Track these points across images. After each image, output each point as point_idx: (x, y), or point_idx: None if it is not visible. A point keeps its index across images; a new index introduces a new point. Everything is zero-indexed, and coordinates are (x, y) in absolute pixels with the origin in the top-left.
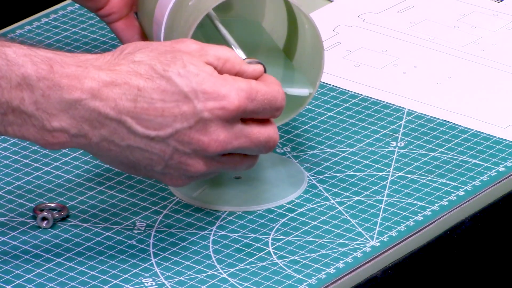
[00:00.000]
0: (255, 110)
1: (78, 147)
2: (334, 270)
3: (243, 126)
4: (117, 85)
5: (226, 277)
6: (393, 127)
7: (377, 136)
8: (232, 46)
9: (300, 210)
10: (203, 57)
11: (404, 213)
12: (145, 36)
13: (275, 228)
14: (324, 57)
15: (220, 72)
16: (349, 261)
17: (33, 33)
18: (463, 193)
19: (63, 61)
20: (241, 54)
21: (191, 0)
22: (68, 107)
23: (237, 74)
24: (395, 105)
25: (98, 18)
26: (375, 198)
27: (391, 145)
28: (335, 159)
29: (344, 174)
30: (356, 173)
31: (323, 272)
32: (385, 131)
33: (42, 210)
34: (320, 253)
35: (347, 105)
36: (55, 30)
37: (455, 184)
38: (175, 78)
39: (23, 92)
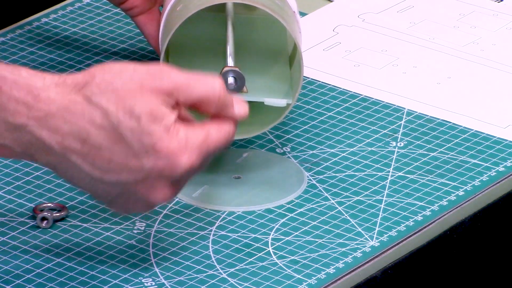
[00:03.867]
0: (205, 161)
1: (26, 160)
2: (334, 270)
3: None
4: (67, 122)
5: (226, 277)
6: (393, 127)
7: (377, 136)
8: (228, 48)
9: (300, 210)
10: (173, 96)
11: (404, 213)
12: None
13: (275, 228)
14: (303, 68)
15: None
16: (349, 261)
17: (33, 33)
18: (463, 193)
19: (15, 82)
20: (229, 62)
21: None
22: (12, 129)
23: (217, 111)
24: (394, 105)
25: (98, 18)
26: (374, 198)
27: (391, 145)
28: (335, 159)
29: (344, 174)
30: (356, 173)
31: (323, 272)
32: (385, 131)
33: (41, 210)
34: (320, 253)
35: (347, 105)
36: (54, 30)
37: (455, 184)
38: (127, 134)
39: None
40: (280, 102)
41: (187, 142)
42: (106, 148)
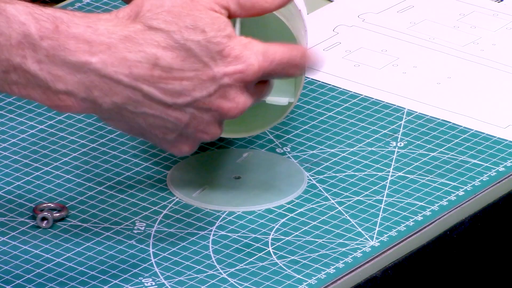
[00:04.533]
0: (274, 71)
1: (87, 112)
2: (334, 270)
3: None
4: (131, 51)
5: (226, 277)
6: (393, 127)
7: (377, 136)
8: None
9: (300, 210)
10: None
11: (404, 213)
12: None
13: (275, 228)
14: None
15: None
16: (349, 261)
17: None
18: (463, 193)
19: (71, 20)
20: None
21: None
22: (75, 70)
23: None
24: (394, 105)
25: None
26: (375, 198)
27: (391, 145)
28: (335, 159)
29: (344, 174)
30: (356, 173)
31: (323, 272)
32: (385, 131)
33: (42, 210)
34: (320, 253)
35: (347, 105)
36: None
37: (455, 184)
38: (194, 48)
39: (25, 51)
40: (282, 100)
41: (252, 46)
42: (177, 67)
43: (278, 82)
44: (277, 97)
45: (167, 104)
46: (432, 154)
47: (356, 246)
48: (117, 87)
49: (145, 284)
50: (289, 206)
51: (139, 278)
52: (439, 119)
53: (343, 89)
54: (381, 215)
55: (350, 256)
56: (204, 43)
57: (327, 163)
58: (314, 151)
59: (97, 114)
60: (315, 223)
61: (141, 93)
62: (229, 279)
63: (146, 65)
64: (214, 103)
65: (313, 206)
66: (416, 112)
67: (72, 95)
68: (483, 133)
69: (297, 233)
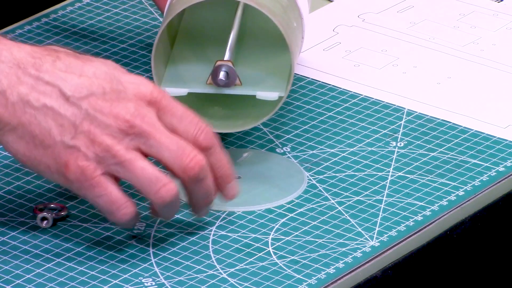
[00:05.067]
0: (173, 112)
1: None
2: (334, 270)
3: (159, 122)
4: (39, 52)
5: (226, 277)
6: (393, 127)
7: (377, 136)
8: (229, 43)
9: (300, 210)
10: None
11: (404, 213)
12: None
13: (275, 228)
14: (294, 61)
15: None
16: (349, 261)
17: (33, 33)
18: (463, 193)
19: None
20: (226, 55)
21: None
22: None
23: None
24: (394, 105)
25: (98, 18)
26: (374, 198)
27: (390, 145)
28: (335, 159)
29: (344, 174)
30: (356, 173)
31: (323, 272)
32: (385, 131)
33: (42, 210)
34: (320, 253)
35: (347, 105)
36: (55, 30)
37: (455, 184)
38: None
39: None
40: (272, 95)
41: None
42: (76, 65)
43: (271, 77)
44: (267, 92)
45: (65, 96)
46: (432, 154)
47: (356, 246)
48: (24, 76)
49: (145, 284)
50: (289, 206)
51: (139, 278)
52: (439, 119)
53: (343, 89)
54: (381, 215)
55: (350, 256)
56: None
57: (327, 163)
58: (314, 151)
59: (3, 119)
60: (315, 223)
61: (43, 81)
62: (229, 279)
63: (48, 60)
64: (106, 104)
65: (313, 206)
66: (416, 112)
67: None
68: (483, 133)
69: (297, 233)
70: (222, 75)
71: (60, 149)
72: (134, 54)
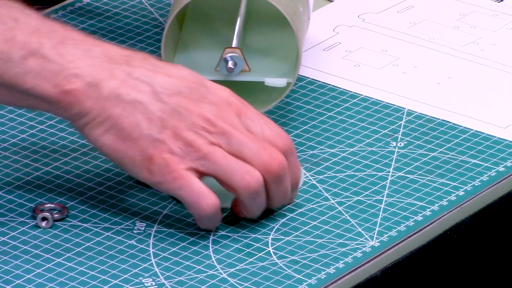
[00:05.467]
0: (247, 115)
1: (84, 105)
2: (334, 270)
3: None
4: (124, 54)
5: (226, 277)
6: (393, 127)
7: (377, 136)
8: (236, 29)
9: (300, 210)
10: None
11: (404, 213)
12: None
13: (275, 228)
14: (301, 48)
15: None
16: (349, 261)
17: None
18: (463, 193)
19: (72, 34)
20: (234, 42)
21: None
22: (84, 54)
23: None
24: (395, 105)
25: (98, 18)
26: (375, 198)
27: (391, 145)
28: (335, 159)
29: (344, 174)
30: (356, 173)
31: (323, 272)
32: (385, 131)
33: (42, 210)
34: (320, 253)
35: (347, 105)
36: None
37: (455, 184)
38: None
39: (41, 38)
40: (280, 81)
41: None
42: (163, 66)
43: (279, 63)
44: (276, 78)
45: (155, 91)
46: (432, 154)
47: (356, 246)
48: (115, 69)
49: (145, 284)
50: (289, 206)
51: (139, 278)
52: (439, 119)
53: (343, 89)
54: (381, 215)
55: (350, 256)
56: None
57: (327, 163)
58: (314, 151)
59: (94, 110)
60: (315, 223)
61: (134, 76)
62: (229, 279)
63: (139, 58)
64: (196, 101)
65: (313, 206)
66: (416, 112)
67: (81, 77)
68: (483, 133)
69: (297, 233)
70: (230, 63)
71: (146, 142)
72: None
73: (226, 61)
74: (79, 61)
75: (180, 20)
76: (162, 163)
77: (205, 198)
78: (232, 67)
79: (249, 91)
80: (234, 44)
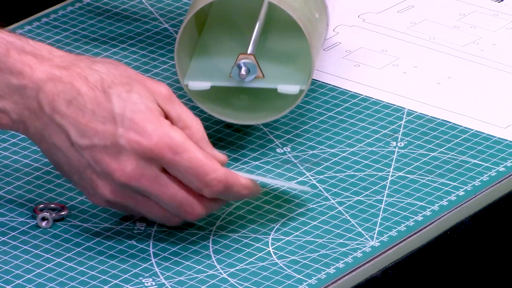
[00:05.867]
0: (175, 166)
1: (18, 132)
2: (334, 270)
3: (161, 174)
4: (62, 82)
5: (226, 277)
6: (393, 127)
7: (377, 136)
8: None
9: (300, 210)
10: (162, 103)
11: (404, 213)
12: None
13: (275, 228)
14: (315, 55)
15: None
16: (349, 261)
17: (33, 33)
18: (463, 193)
19: (22, 47)
20: (250, 49)
21: None
22: (14, 91)
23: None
24: (395, 105)
25: (99, 18)
26: (375, 198)
27: (391, 145)
28: (335, 159)
29: (344, 174)
30: (356, 173)
31: (323, 272)
32: (385, 131)
33: (42, 210)
34: (320, 253)
35: (347, 105)
36: (55, 30)
37: (455, 184)
38: (113, 98)
39: None
40: (293, 89)
41: (167, 129)
42: (89, 109)
43: (289, 70)
44: (289, 85)
45: (70, 141)
46: (432, 154)
47: (356, 246)
48: (40, 112)
49: (145, 284)
50: (289, 206)
51: (139, 278)
52: (439, 119)
53: (343, 89)
54: (381, 215)
55: (350, 256)
56: (125, 98)
57: (327, 163)
58: (314, 151)
59: (29, 138)
60: (315, 223)
61: (54, 123)
62: (229, 279)
63: (67, 98)
64: (105, 157)
65: (313, 206)
66: (416, 112)
67: (8, 114)
68: (483, 133)
69: (297, 233)
70: (243, 69)
71: (79, 178)
72: (134, 54)
73: (240, 67)
74: (8, 98)
75: (198, 23)
76: (106, 198)
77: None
78: (245, 73)
79: (263, 96)
80: (249, 50)
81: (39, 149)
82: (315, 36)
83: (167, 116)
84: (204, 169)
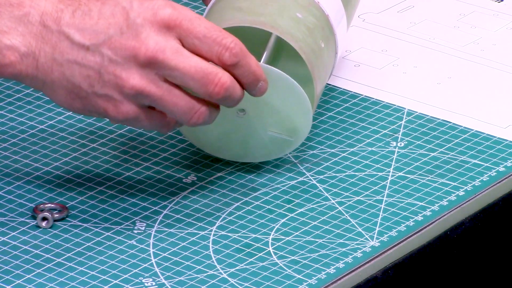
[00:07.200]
0: (194, 34)
1: (27, 73)
2: (334, 270)
3: (182, 48)
4: (61, 1)
5: (226, 277)
6: (393, 127)
7: (377, 136)
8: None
9: (300, 210)
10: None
11: (404, 213)
12: None
13: (275, 228)
14: (318, 86)
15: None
16: (349, 261)
17: None
18: (463, 193)
19: None
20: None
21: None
22: (18, 23)
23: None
24: (395, 105)
25: None
26: (375, 198)
27: (391, 145)
28: (335, 159)
29: (344, 174)
30: (356, 173)
31: (323, 272)
32: (385, 131)
33: (42, 210)
34: (320, 253)
35: (347, 105)
36: None
37: (455, 184)
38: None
39: None
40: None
41: (178, 6)
42: (95, 10)
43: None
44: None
45: (85, 46)
46: (432, 154)
47: (356, 246)
48: (47, 33)
49: (145, 284)
50: (289, 206)
51: (139, 278)
52: (439, 119)
53: (343, 89)
54: (381, 215)
55: (350, 256)
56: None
57: (327, 163)
58: (314, 151)
59: (37, 77)
60: (315, 223)
61: (64, 36)
62: (229, 279)
63: (70, 9)
64: (126, 41)
65: (313, 206)
66: (416, 112)
67: (16, 49)
68: (483, 133)
69: (297, 233)
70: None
71: (95, 99)
72: None
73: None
74: (13, 31)
75: None
76: (119, 116)
77: (167, 124)
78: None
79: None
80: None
81: (38, 149)
82: (318, 67)
83: None
84: (222, 33)
